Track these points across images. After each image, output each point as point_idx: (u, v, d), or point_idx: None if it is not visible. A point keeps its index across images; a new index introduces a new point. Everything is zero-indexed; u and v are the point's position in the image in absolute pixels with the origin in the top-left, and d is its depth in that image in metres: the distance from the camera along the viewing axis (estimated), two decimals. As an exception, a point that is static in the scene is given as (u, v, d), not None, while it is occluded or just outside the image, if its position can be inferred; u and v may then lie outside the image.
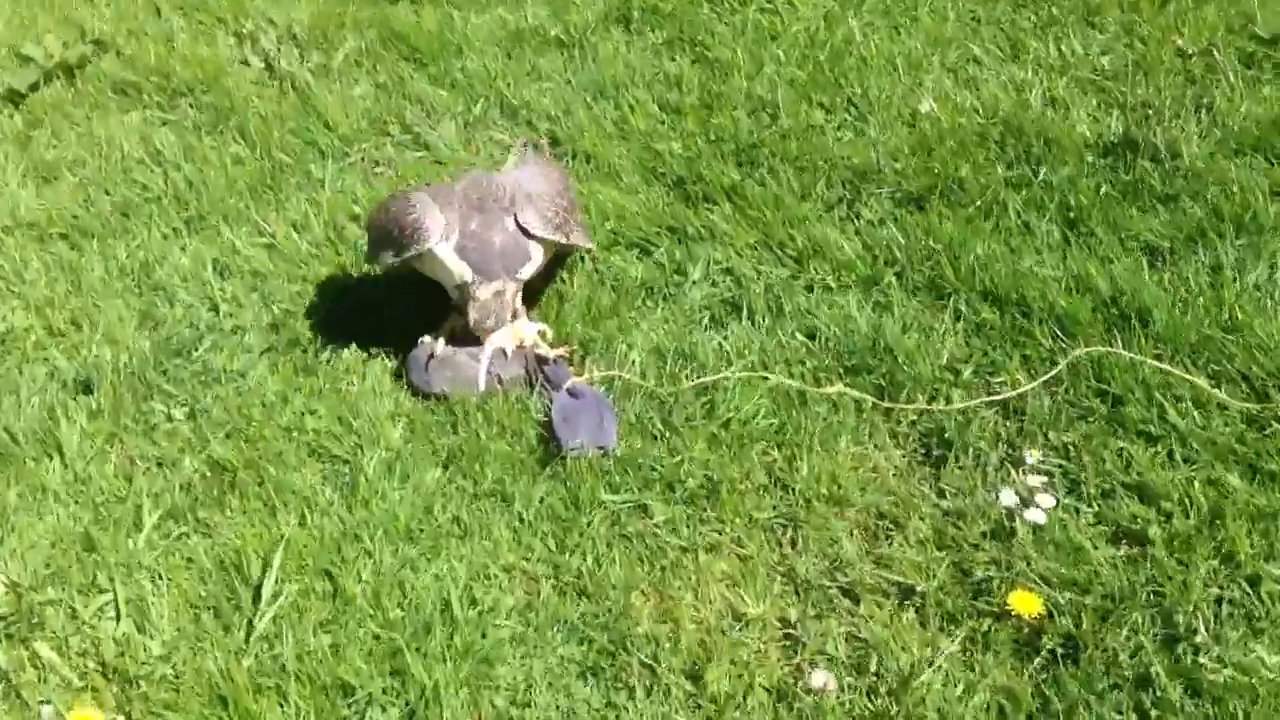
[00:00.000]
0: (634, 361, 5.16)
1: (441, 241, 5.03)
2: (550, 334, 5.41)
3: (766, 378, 4.89)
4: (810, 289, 5.45)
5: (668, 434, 4.81)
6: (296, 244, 6.24)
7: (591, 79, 7.05)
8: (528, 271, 5.16)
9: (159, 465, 5.04)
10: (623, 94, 6.82)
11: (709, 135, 6.45)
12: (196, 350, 5.61)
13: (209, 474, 4.95)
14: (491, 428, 4.96)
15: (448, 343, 5.29)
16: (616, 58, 7.12)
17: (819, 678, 3.77)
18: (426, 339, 5.39)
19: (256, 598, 4.37)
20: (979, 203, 5.61)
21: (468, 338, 5.32)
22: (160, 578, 4.52)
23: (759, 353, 5.11)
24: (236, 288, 6.00)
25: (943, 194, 5.75)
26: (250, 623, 4.29)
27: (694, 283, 5.59)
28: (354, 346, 5.48)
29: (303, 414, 5.22)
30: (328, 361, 5.44)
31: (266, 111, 7.24)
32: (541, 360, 5.26)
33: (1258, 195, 5.29)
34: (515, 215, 5.09)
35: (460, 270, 5.07)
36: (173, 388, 5.41)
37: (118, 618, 4.38)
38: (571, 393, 5.02)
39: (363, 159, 6.85)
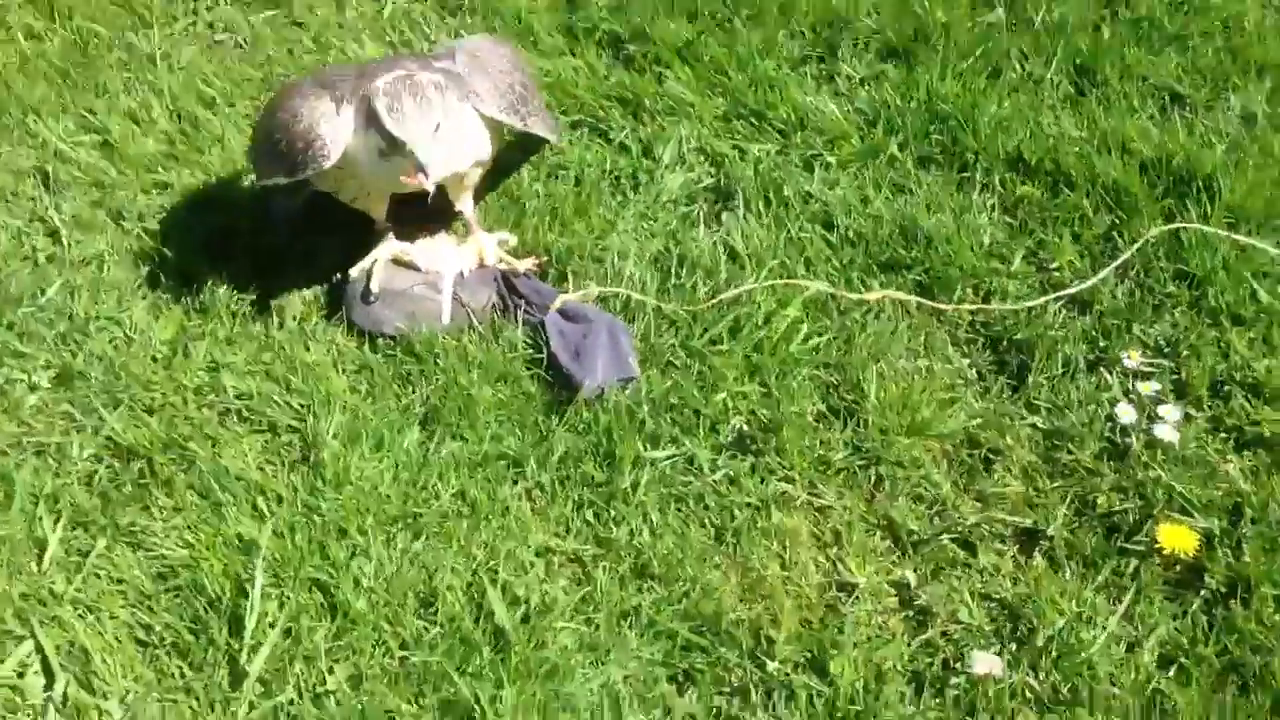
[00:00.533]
0: (627, 274, 4.32)
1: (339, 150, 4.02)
2: (513, 242, 4.48)
3: (803, 286, 4.17)
4: (808, 168, 4.71)
5: (693, 362, 4.06)
6: (140, 142, 4.92)
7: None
8: (485, 154, 4.18)
9: (39, 454, 3.88)
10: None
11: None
12: (43, 292, 4.36)
13: (115, 463, 3.85)
14: (472, 371, 4.05)
15: (380, 274, 4.30)
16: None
17: (983, 663, 3.23)
18: (354, 272, 4.36)
19: (233, 626, 3.40)
20: (978, 54, 4.97)
21: (402, 265, 4.33)
22: (90, 611, 3.48)
23: (772, 252, 4.36)
24: (75, 204, 4.68)
25: (930, 44, 5.06)
26: (233, 660, 3.34)
27: (667, 168, 4.74)
28: (251, 275, 4.36)
29: (214, 369, 4.15)
30: (227, 300, 4.31)
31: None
32: (511, 278, 4.35)
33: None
34: (463, 92, 4.08)
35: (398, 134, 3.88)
36: (26, 345, 4.18)
37: (49, 675, 3.34)
38: (566, 314, 4.17)
39: (193, 24, 5.46)
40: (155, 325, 4.31)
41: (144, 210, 4.70)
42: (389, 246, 4.36)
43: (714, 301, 4.19)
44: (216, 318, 4.30)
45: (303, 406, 3.99)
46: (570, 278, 4.36)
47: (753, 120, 4.87)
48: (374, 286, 4.25)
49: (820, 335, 4.10)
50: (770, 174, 4.65)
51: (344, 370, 4.14)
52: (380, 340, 4.18)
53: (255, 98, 5.11)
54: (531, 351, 4.10)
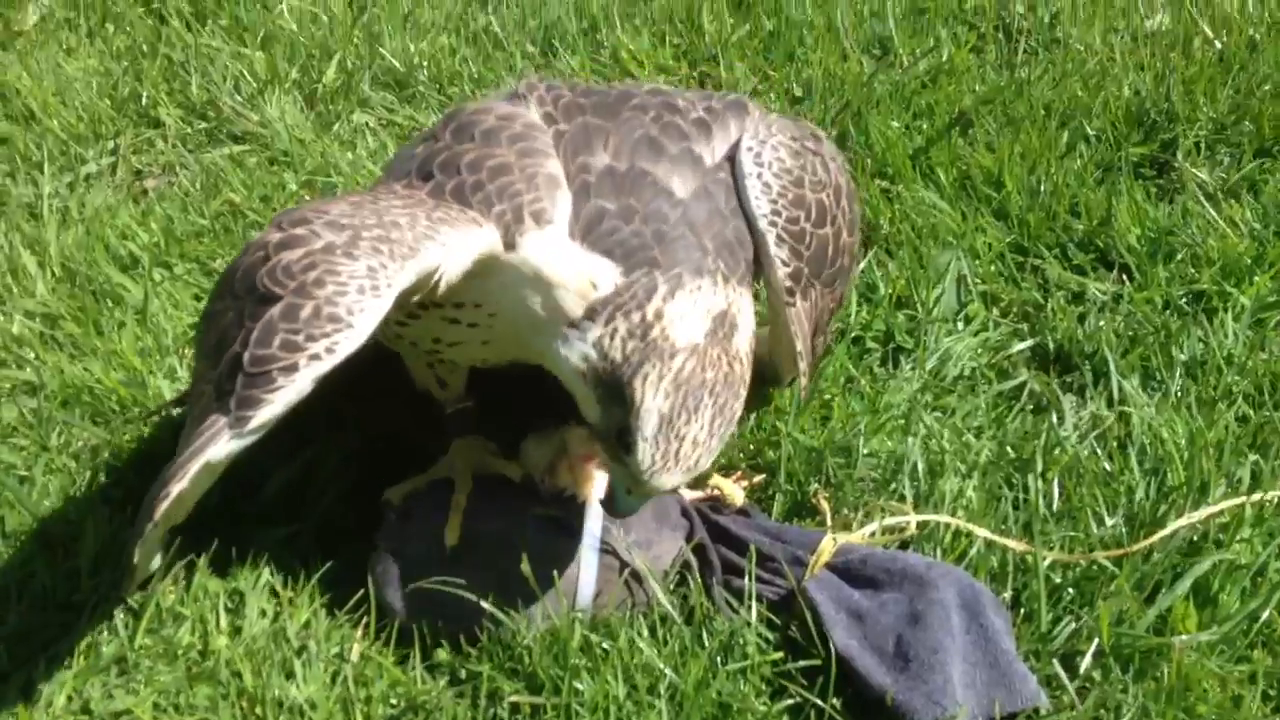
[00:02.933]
0: (946, 495, 2.22)
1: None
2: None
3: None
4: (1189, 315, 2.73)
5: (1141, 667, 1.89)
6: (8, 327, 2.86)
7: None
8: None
9: None
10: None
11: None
12: None
13: None
14: (652, 707, 1.85)
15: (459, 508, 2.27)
16: None
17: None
18: (395, 496, 2.30)
19: None
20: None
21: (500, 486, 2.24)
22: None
23: (1201, 450, 2.31)
24: None
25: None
26: None
27: (940, 322, 2.75)
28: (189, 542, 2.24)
29: None
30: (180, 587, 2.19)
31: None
32: (713, 514, 2.26)
33: None
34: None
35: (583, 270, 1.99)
36: None
37: None
38: (852, 573, 2.05)
39: (114, 166, 3.52)
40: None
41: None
42: (470, 451, 2.25)
43: (1144, 544, 2.08)
44: (103, 631, 2.11)
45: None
46: (826, 510, 2.23)
47: (1066, 249, 2.94)
48: (448, 532, 2.10)
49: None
50: (1131, 328, 2.66)
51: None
52: (441, 645, 2.10)
53: (207, 257, 3.10)
54: (782, 658, 1.92)
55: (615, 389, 1.93)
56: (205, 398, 1.91)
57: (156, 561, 2.15)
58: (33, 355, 2.85)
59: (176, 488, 1.85)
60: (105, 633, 2.22)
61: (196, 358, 2.14)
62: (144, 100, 3.79)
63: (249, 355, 1.82)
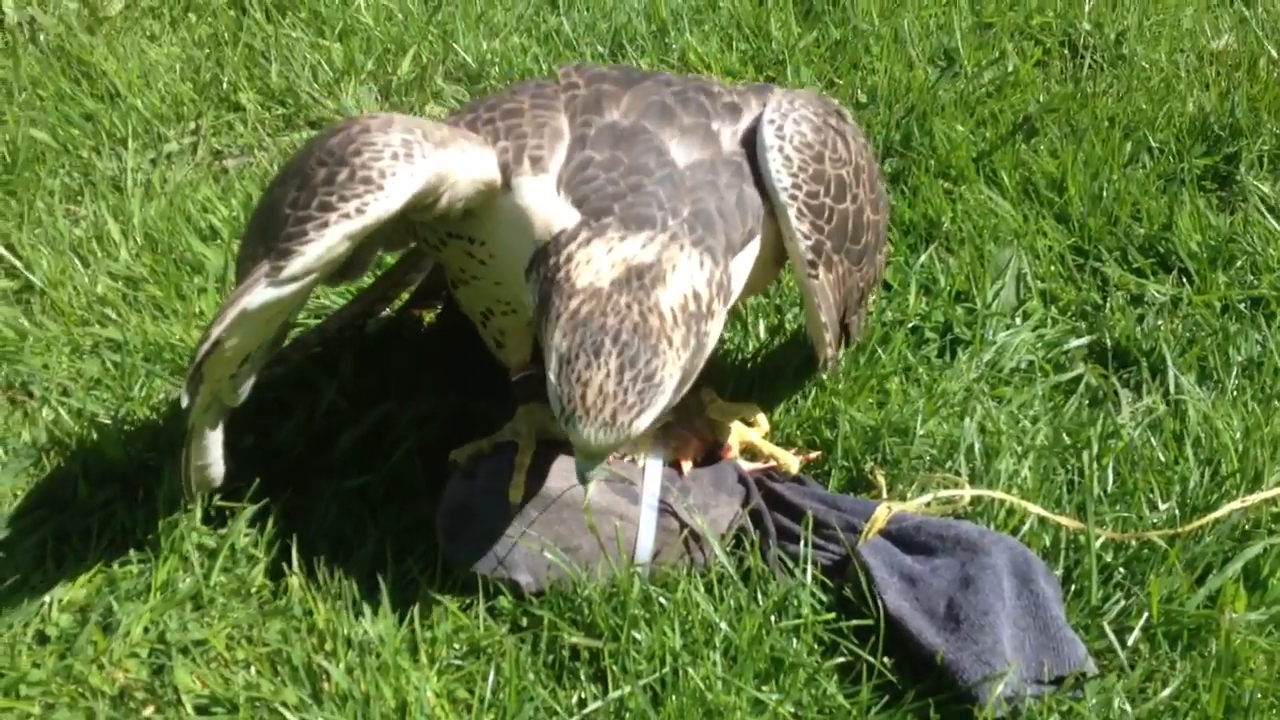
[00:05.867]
0: (1003, 475, 2.31)
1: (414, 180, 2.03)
2: (765, 425, 2.47)
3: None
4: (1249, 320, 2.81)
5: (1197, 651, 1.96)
6: (81, 285, 3.00)
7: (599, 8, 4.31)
8: (748, 257, 2.23)
9: None
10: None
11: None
12: None
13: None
14: (706, 657, 1.95)
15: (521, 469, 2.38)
16: None
17: None
18: (461, 458, 2.43)
19: None
20: None
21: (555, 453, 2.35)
22: None
23: (1258, 441, 2.38)
24: None
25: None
26: None
27: (998, 316, 2.83)
28: (263, 490, 2.38)
29: (158, 659, 2.07)
30: (194, 543, 2.31)
31: (-17, 78, 3.97)
32: (770, 482, 2.35)
33: None
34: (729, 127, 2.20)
35: (549, 217, 2.07)
36: None
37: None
38: (905, 540, 2.15)
39: (195, 145, 3.69)
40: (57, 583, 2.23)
41: (67, 386, 2.69)
42: (534, 415, 2.36)
43: (1196, 525, 2.15)
44: (179, 569, 2.23)
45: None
46: (881, 484, 2.32)
47: (1126, 252, 3.02)
48: (511, 490, 2.19)
49: None
50: (1189, 329, 2.73)
51: (436, 661, 2.03)
52: (503, 597, 2.22)
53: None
54: (835, 617, 2.01)
55: (540, 323, 2.01)
56: (247, 269, 2.07)
57: (216, 468, 2.29)
58: (115, 315, 3.01)
59: (216, 330, 2.02)
60: (181, 570, 2.35)
61: (241, 245, 2.29)
62: (225, 85, 3.96)
63: (292, 216, 2.01)
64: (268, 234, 2.07)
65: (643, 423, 1.94)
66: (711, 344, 2.04)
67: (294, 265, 1.99)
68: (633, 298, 1.95)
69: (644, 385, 1.93)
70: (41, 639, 2.25)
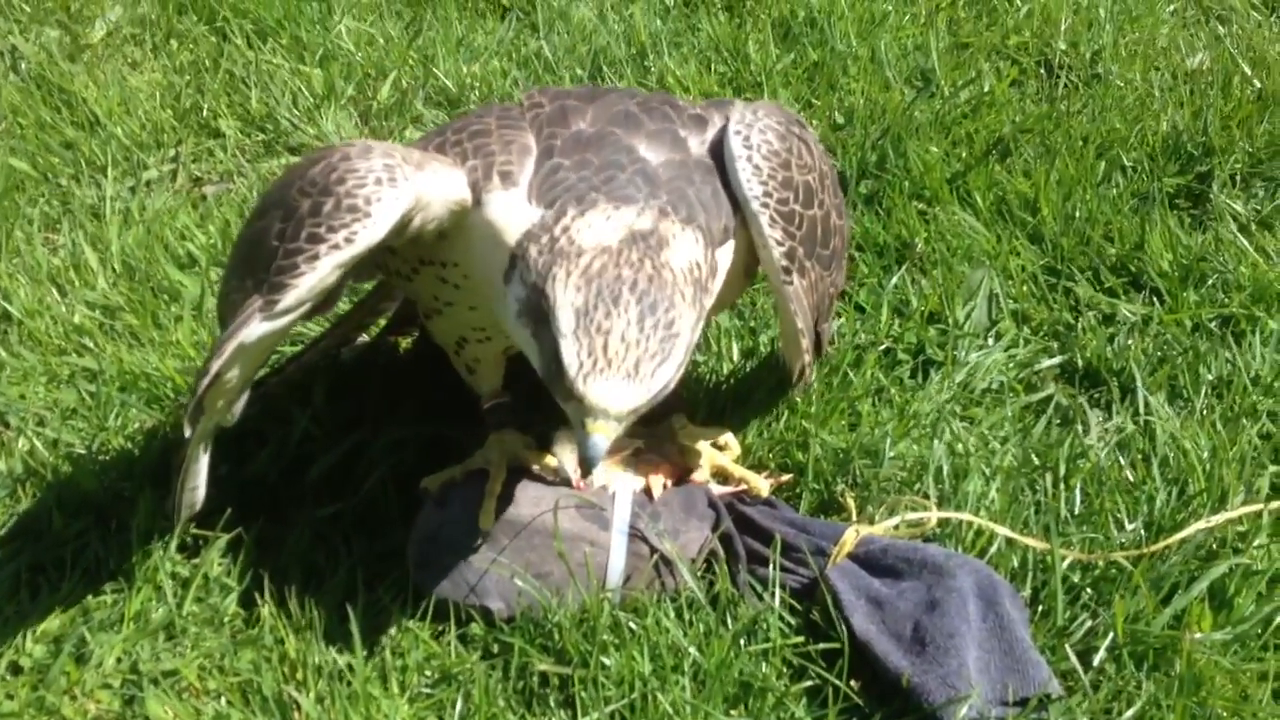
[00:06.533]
0: (969, 497, 2.34)
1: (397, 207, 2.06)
2: (735, 448, 2.51)
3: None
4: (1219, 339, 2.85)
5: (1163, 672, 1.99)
6: (57, 313, 3.02)
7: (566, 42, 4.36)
8: (726, 255, 2.24)
9: None
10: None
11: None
12: None
13: None
14: (675, 682, 1.97)
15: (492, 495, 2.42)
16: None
17: None
18: (432, 485, 2.49)
19: None
20: None
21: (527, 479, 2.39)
22: None
23: (1221, 463, 2.41)
24: None
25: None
26: None
27: (971, 337, 2.87)
28: (236, 515, 2.40)
29: (129, 690, 2.09)
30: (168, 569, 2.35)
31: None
32: (739, 505, 2.37)
33: None
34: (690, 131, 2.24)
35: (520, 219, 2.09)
36: None
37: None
38: (873, 563, 2.18)
39: (174, 172, 3.72)
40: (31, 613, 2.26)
41: (43, 416, 2.72)
42: (505, 443, 2.38)
43: (1162, 545, 2.18)
44: (153, 598, 2.27)
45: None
46: (851, 507, 2.35)
47: (1098, 272, 3.06)
48: (482, 517, 2.24)
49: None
50: (1160, 348, 2.77)
51: (407, 689, 2.07)
52: (475, 622, 2.30)
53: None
54: (803, 641, 2.04)
55: (537, 309, 1.99)
56: (235, 302, 2.11)
57: (201, 495, 2.31)
58: (92, 344, 3.04)
59: (215, 364, 2.05)
60: (154, 600, 2.38)
61: (226, 275, 2.31)
62: (205, 112, 3.99)
63: (281, 249, 2.04)
64: (256, 266, 2.10)
65: (664, 374, 1.94)
66: (698, 335, 2.05)
67: (288, 298, 2.02)
68: (644, 254, 1.97)
69: (664, 333, 1.93)
70: (15, 670, 2.27)
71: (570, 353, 1.92)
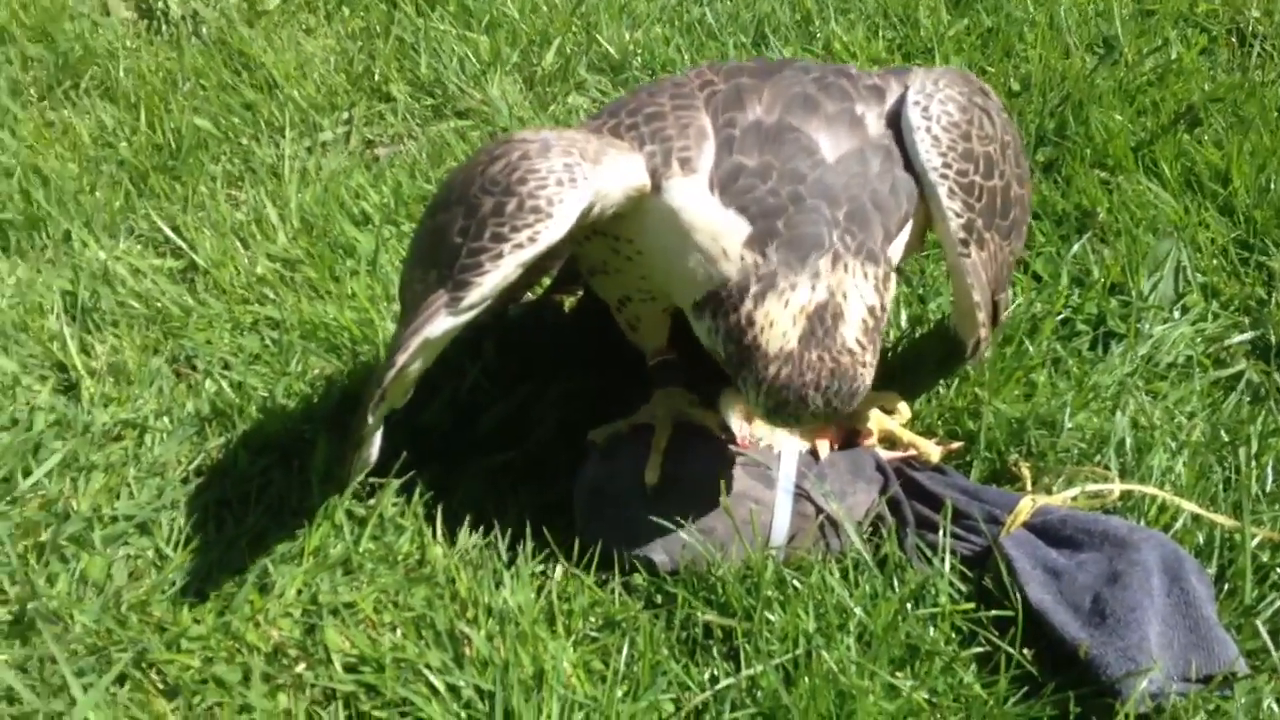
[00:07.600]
0: (1154, 471, 2.29)
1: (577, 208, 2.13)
2: (906, 412, 2.50)
3: None
4: None
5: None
6: (240, 264, 3.18)
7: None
8: (902, 240, 2.26)
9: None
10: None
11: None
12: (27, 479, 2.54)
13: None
14: (840, 642, 2.00)
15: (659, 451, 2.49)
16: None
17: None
18: (599, 437, 2.55)
19: None
20: None
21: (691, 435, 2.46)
22: None
23: None
24: (113, 346, 2.94)
25: None
26: None
27: (1156, 310, 2.80)
28: (413, 463, 2.49)
29: (310, 617, 2.21)
30: (341, 510, 2.44)
31: (147, 67, 4.21)
32: (909, 470, 2.37)
33: None
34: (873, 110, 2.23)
35: (719, 226, 2.11)
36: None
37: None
38: (1049, 533, 2.17)
39: (348, 135, 3.87)
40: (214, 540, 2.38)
41: (228, 360, 2.87)
42: (671, 400, 2.43)
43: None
44: (331, 535, 2.37)
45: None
46: (1026, 476, 2.32)
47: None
48: (648, 472, 2.28)
49: None
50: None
51: (573, 633, 2.12)
52: (638, 575, 2.39)
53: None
54: (974, 608, 2.06)
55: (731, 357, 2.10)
56: (418, 292, 2.21)
57: (374, 452, 2.39)
58: (273, 294, 3.20)
59: (401, 358, 2.16)
60: (333, 537, 2.50)
61: (408, 264, 2.42)
62: (376, 76, 4.14)
63: (465, 248, 2.12)
64: (439, 260, 2.19)
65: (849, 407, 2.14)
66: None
67: (472, 295, 2.12)
68: (822, 350, 2.03)
69: (849, 396, 2.05)
70: (202, 597, 2.42)
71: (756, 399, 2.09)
